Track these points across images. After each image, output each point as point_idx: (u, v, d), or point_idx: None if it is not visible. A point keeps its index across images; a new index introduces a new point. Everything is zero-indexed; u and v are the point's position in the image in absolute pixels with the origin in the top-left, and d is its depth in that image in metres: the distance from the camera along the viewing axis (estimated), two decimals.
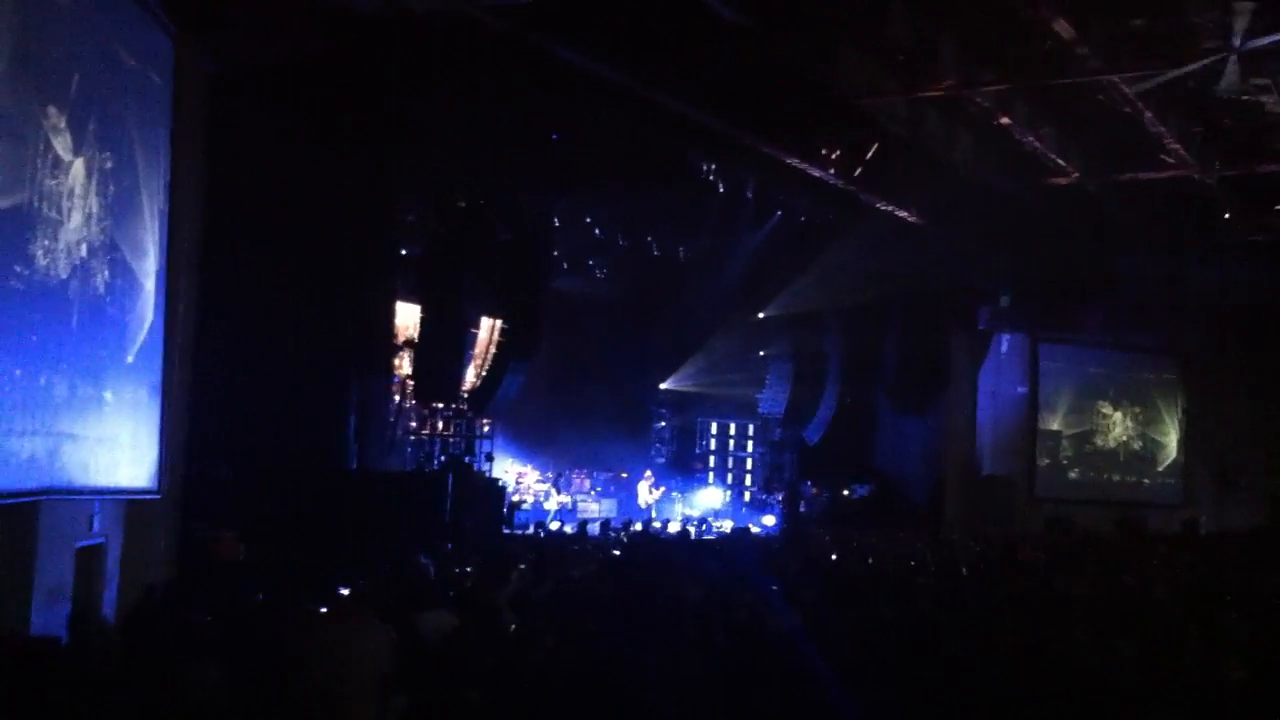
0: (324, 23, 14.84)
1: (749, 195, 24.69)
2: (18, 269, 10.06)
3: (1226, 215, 25.01)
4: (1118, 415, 32.73)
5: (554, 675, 7.82)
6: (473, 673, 8.11)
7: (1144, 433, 32.94)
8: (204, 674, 7.08)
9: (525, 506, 27.19)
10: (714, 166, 23.10)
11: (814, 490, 31.14)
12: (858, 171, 21.35)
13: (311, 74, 16.76)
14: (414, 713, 7.52)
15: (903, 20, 16.62)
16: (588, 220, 26.64)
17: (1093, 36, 16.34)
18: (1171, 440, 33.04)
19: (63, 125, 10.70)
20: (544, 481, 29.43)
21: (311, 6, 14.60)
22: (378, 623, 7.31)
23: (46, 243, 10.53)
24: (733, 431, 35.77)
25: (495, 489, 23.54)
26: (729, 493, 33.84)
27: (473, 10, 15.13)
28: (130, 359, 12.81)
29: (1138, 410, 32.85)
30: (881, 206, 23.46)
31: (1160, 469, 33.09)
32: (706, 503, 31.93)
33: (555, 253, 26.60)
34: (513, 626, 10.02)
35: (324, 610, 8.43)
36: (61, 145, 10.70)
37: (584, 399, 31.10)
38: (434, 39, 16.22)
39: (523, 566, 14.10)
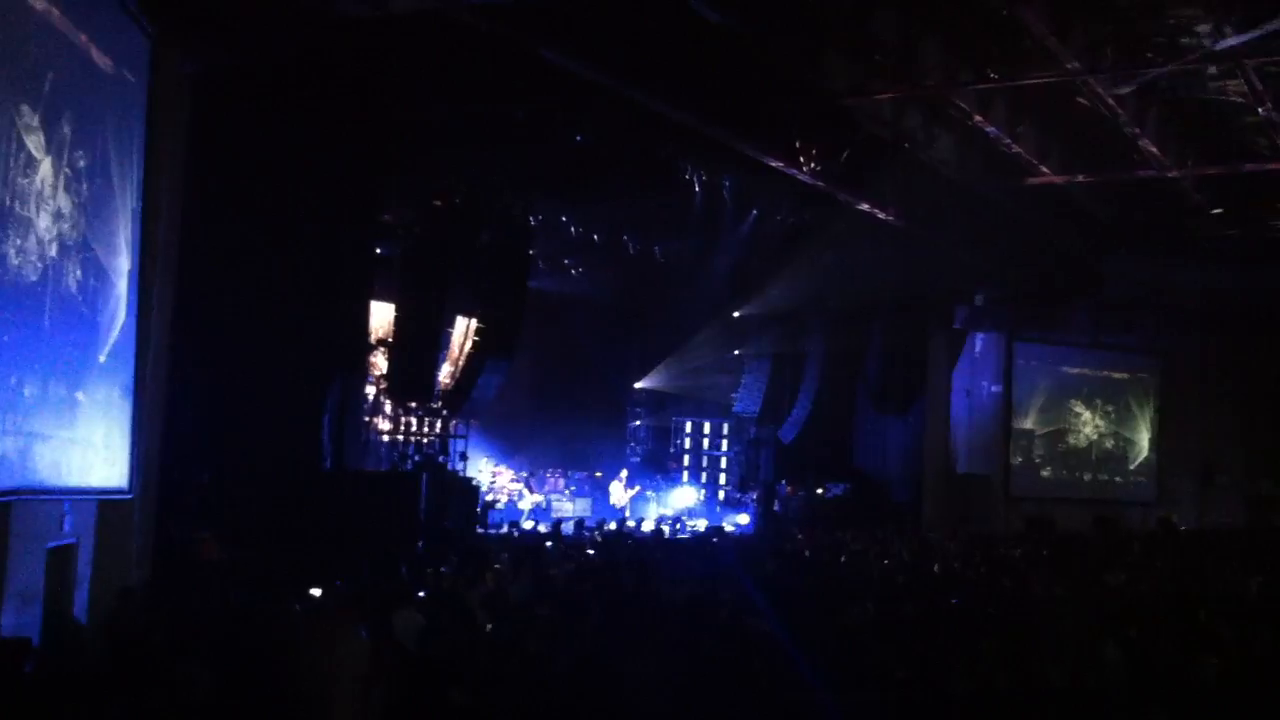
0: (304, 24, 14.72)
1: (727, 195, 24.62)
2: None
3: (1206, 216, 25.07)
4: (1089, 414, 32.81)
5: (537, 675, 7.78)
6: (449, 672, 8.06)
7: (1116, 431, 33.02)
8: (194, 675, 7.03)
9: (499, 506, 27.12)
10: (693, 166, 23.02)
11: (789, 489, 31.14)
12: (837, 172, 21.31)
13: (292, 75, 16.70)
14: (391, 712, 7.47)
15: (886, 20, 16.62)
16: (564, 219, 26.54)
17: (1072, 37, 16.36)
18: (1144, 439, 33.15)
19: (35, 124, 10.58)
20: (518, 481, 29.34)
21: (291, 8, 14.48)
22: (361, 623, 7.29)
23: (18, 242, 10.41)
24: (707, 431, 35.74)
25: (469, 489, 23.47)
26: (703, 492, 33.80)
27: (453, 10, 15.02)
28: (103, 359, 12.70)
29: (1110, 409, 32.93)
30: (862, 207, 23.44)
31: (1132, 467, 33.19)
32: (681, 502, 31.89)
33: (531, 252, 26.53)
34: (489, 627, 9.98)
35: (311, 611, 8.36)
36: (34, 144, 10.59)
37: (559, 398, 31.06)
38: (414, 41, 16.13)
39: (498, 566, 14.11)
